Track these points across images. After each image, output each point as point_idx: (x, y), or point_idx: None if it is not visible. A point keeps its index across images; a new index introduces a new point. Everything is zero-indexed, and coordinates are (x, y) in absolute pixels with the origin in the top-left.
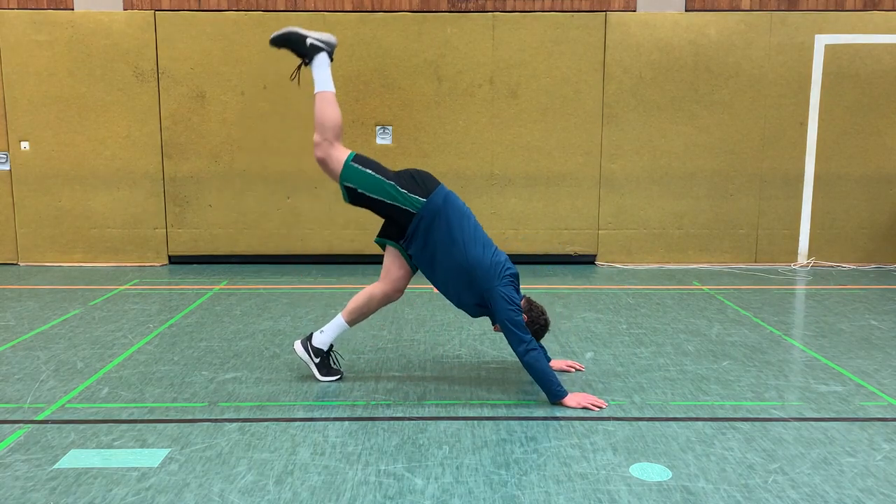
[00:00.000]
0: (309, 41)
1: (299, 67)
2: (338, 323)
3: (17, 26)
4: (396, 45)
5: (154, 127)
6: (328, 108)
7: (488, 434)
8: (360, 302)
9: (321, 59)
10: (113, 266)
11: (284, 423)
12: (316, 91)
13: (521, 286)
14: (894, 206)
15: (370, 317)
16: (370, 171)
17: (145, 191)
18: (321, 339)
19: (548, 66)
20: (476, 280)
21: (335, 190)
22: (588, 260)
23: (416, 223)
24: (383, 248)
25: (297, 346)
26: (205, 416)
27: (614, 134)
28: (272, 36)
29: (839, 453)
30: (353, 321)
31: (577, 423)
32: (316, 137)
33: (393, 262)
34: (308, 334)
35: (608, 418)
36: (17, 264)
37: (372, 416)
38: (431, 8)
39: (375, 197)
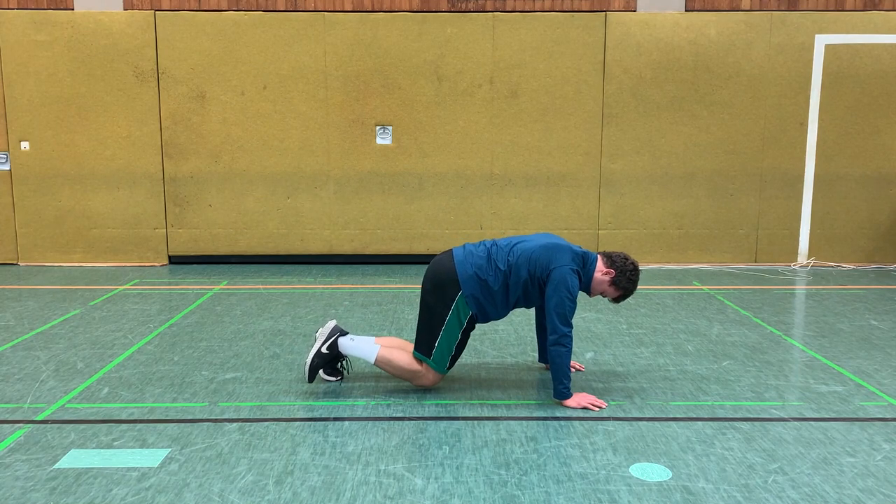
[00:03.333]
0: (324, 348)
1: (346, 369)
2: (370, 349)
3: (17, 26)
4: (396, 45)
5: (154, 127)
6: (394, 361)
7: (488, 434)
8: (399, 364)
9: (345, 344)
10: (113, 266)
11: (284, 423)
12: (373, 363)
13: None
14: (894, 206)
15: (370, 317)
16: (439, 338)
17: (145, 191)
18: (346, 346)
19: (548, 66)
20: (538, 271)
21: (335, 190)
22: None
23: (475, 304)
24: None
25: (327, 325)
26: (205, 416)
27: (614, 134)
28: (308, 379)
29: (839, 453)
30: (378, 365)
31: (577, 423)
32: (416, 384)
33: None
34: (341, 329)
35: (608, 418)
36: (17, 264)
37: (372, 416)
38: (431, 8)
39: (461, 342)
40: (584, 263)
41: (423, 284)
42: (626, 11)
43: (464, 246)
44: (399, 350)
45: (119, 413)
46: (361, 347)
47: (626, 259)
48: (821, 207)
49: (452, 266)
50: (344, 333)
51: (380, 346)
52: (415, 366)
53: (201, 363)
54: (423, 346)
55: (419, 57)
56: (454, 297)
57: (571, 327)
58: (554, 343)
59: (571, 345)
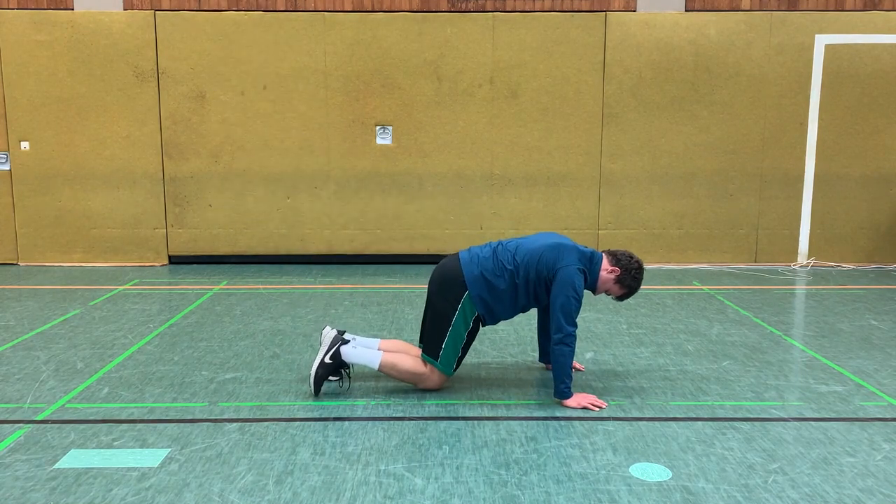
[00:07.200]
0: (327, 357)
1: (348, 375)
2: (373, 356)
3: (17, 26)
4: (396, 45)
5: (154, 127)
6: (399, 365)
7: (488, 434)
8: (403, 368)
9: (347, 352)
10: (113, 266)
11: (284, 423)
12: (377, 369)
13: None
14: (894, 206)
15: (370, 317)
16: (446, 340)
17: (145, 191)
18: (349, 354)
19: (548, 66)
20: (544, 270)
21: (335, 190)
22: None
23: (481, 305)
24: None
25: (328, 330)
26: (205, 416)
27: (614, 134)
28: (314, 391)
29: (839, 453)
30: (382, 371)
31: (577, 423)
32: (421, 387)
33: None
34: (343, 338)
35: (608, 418)
36: (17, 264)
37: (372, 416)
38: (431, 8)
39: (466, 343)
40: (590, 262)
41: (429, 286)
42: (626, 11)
43: (469, 249)
44: (402, 354)
45: (119, 413)
46: (364, 355)
47: (632, 258)
48: (821, 207)
49: (458, 267)
50: (345, 341)
51: (382, 352)
52: (420, 368)
53: (201, 363)
54: (430, 349)
55: (419, 57)
56: (460, 298)
57: (576, 326)
58: (558, 342)
59: (575, 345)
